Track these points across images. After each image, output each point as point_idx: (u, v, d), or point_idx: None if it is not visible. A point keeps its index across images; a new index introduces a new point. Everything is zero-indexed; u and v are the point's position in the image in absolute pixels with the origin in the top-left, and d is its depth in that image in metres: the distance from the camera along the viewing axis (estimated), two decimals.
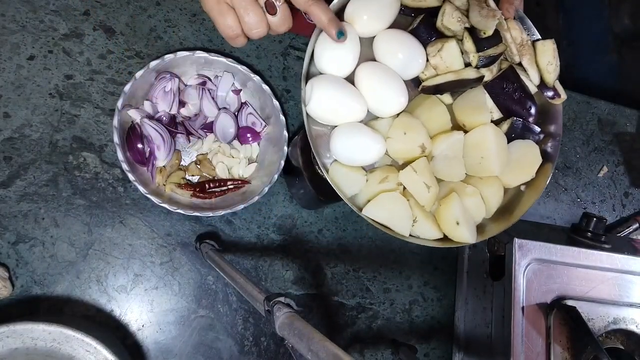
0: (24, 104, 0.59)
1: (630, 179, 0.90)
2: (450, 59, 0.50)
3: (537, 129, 0.54)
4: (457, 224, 0.49)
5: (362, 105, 0.49)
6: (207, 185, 0.62)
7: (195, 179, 0.63)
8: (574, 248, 0.62)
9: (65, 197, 0.59)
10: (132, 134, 0.59)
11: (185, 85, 0.64)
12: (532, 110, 0.53)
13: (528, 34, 0.54)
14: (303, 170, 0.59)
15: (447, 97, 0.53)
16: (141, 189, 0.56)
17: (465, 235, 0.49)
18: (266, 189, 0.61)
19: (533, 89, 0.54)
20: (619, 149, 0.90)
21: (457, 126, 0.53)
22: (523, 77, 0.53)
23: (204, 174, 0.63)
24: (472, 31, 0.49)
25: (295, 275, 0.67)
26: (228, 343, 0.63)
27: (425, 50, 0.50)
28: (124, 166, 0.56)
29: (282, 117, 0.63)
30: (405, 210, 0.49)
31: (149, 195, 0.57)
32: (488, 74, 0.52)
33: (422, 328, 0.73)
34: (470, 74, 0.50)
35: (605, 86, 1.60)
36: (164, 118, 0.61)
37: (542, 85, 0.54)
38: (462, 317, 0.71)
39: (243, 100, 0.66)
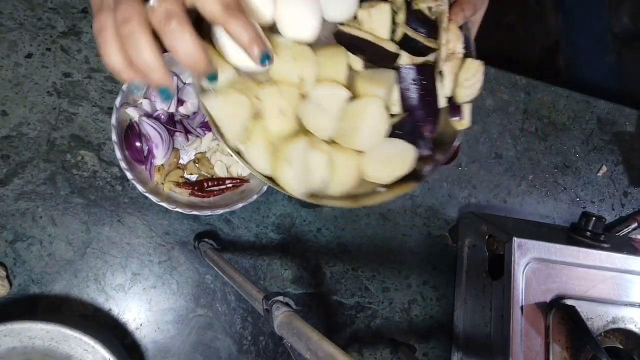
0: (22, 102, 0.59)
1: (630, 179, 0.90)
2: (377, 22, 0.45)
3: (428, 144, 0.48)
4: (289, 163, 0.42)
5: (270, 10, 0.42)
6: (205, 184, 0.62)
7: (193, 177, 0.63)
8: (573, 247, 0.62)
9: (63, 195, 0.59)
10: (130, 133, 0.59)
11: (184, 84, 0.64)
12: (430, 124, 0.48)
13: (465, 49, 0.48)
14: None
15: (357, 63, 0.47)
16: (139, 187, 0.56)
17: (290, 181, 0.43)
18: (265, 187, 0.60)
19: (443, 101, 0.49)
20: (618, 148, 0.90)
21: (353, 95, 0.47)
22: (439, 84, 0.48)
23: (203, 172, 0.63)
24: (410, 8, 0.46)
25: (294, 274, 0.67)
26: (226, 342, 0.63)
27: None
28: (122, 165, 0.56)
29: None
30: (243, 116, 0.42)
31: (147, 194, 0.56)
32: (407, 59, 0.47)
33: (421, 327, 0.73)
34: (390, 46, 0.45)
35: (604, 86, 1.60)
36: (162, 116, 0.61)
37: (453, 102, 0.49)
38: (461, 316, 0.71)
39: None
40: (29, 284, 0.57)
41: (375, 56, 0.46)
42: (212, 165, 0.63)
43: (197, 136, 0.63)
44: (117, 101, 0.57)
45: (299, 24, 0.43)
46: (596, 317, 0.61)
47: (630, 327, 0.63)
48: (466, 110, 0.50)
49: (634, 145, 0.91)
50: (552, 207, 0.83)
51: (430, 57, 0.48)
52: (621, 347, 0.63)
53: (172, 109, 0.62)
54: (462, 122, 0.50)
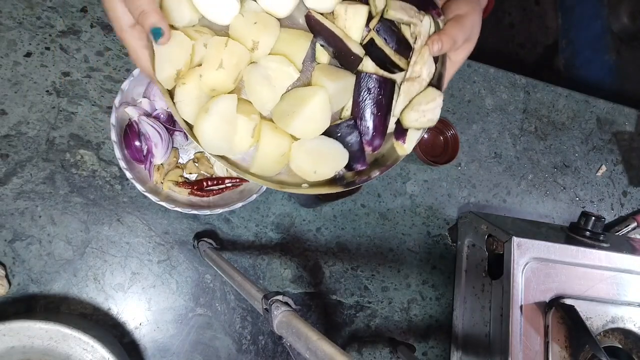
0: (21, 101, 0.59)
1: (629, 178, 0.90)
2: (351, 21, 0.45)
3: (364, 158, 0.46)
4: (208, 115, 0.41)
5: None
6: (205, 183, 0.61)
7: (193, 177, 0.63)
8: (573, 247, 0.62)
9: (62, 194, 0.59)
10: (129, 132, 0.59)
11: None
12: (376, 139, 0.46)
13: (432, 81, 0.47)
14: None
15: (324, 56, 0.46)
16: (139, 186, 0.56)
17: (205, 134, 0.41)
18: (264, 187, 0.60)
19: (392, 124, 0.47)
20: (618, 148, 0.90)
21: (307, 82, 0.46)
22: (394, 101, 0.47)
23: (202, 172, 0.63)
24: (384, 18, 0.45)
25: (293, 273, 0.67)
26: (226, 341, 0.63)
27: None
28: (122, 164, 0.56)
29: None
30: (181, 57, 0.41)
31: (146, 193, 0.56)
32: (371, 67, 0.45)
33: (420, 327, 0.73)
34: (356, 47, 0.44)
35: (604, 85, 1.60)
36: (162, 116, 0.61)
37: (400, 125, 0.47)
38: (460, 315, 0.71)
39: None
40: (28, 283, 0.57)
41: (340, 53, 0.45)
42: (211, 164, 0.63)
43: None
44: (117, 100, 0.57)
45: None
46: (595, 316, 0.61)
47: (629, 326, 0.63)
48: (412, 136, 0.46)
49: (633, 145, 0.91)
50: (552, 206, 0.83)
51: (397, 77, 0.46)
52: (620, 346, 0.63)
53: None
54: (404, 147, 0.46)
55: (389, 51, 0.45)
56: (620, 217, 0.87)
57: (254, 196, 0.60)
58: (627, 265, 0.64)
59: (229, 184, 0.63)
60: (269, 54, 0.44)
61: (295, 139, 0.44)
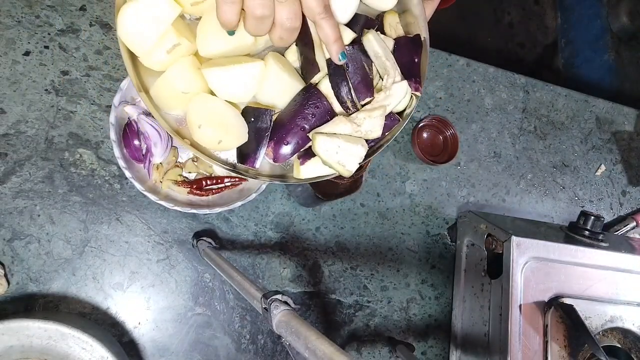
0: (20, 100, 0.59)
1: (628, 178, 0.90)
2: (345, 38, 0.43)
3: (259, 157, 0.42)
4: (167, 53, 0.38)
5: None
6: (204, 183, 0.61)
7: (192, 176, 0.63)
8: (572, 246, 0.62)
9: (61, 194, 0.59)
10: (128, 131, 0.58)
11: None
12: (283, 151, 0.43)
13: (367, 141, 0.44)
14: None
15: (291, 54, 0.44)
16: (138, 186, 0.56)
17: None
18: (263, 186, 0.60)
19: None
20: (617, 147, 0.90)
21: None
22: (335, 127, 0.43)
23: (201, 171, 0.63)
24: (361, 50, 0.44)
25: (292, 273, 0.67)
26: (225, 341, 0.63)
27: None
28: (121, 163, 0.56)
29: None
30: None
31: (145, 193, 0.56)
32: (324, 88, 0.43)
33: (419, 326, 0.73)
34: (321, 59, 0.42)
35: (603, 84, 1.60)
36: None
37: (310, 150, 0.44)
38: (459, 315, 0.71)
39: None
40: (27, 283, 0.57)
41: (305, 57, 0.43)
42: (210, 163, 0.63)
43: None
44: (116, 99, 0.57)
45: None
46: (594, 315, 0.61)
47: (628, 326, 0.63)
48: (312, 167, 0.43)
49: (632, 145, 0.91)
50: (551, 206, 0.83)
51: (337, 109, 0.44)
52: (619, 345, 0.63)
53: None
54: (300, 169, 0.43)
55: (347, 86, 0.43)
56: (619, 217, 0.87)
57: (253, 195, 0.60)
58: (626, 265, 0.64)
59: (228, 183, 0.63)
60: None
61: (207, 92, 0.41)
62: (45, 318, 0.51)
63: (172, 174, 0.61)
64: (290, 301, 0.38)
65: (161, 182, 0.60)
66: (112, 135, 0.56)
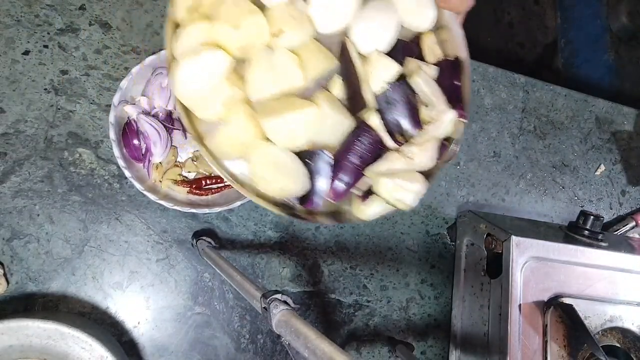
0: (19, 99, 0.59)
1: (627, 177, 0.90)
2: (379, 71, 0.43)
3: (321, 199, 0.43)
4: (196, 54, 0.39)
5: None
6: (203, 182, 0.61)
7: (191, 175, 0.63)
8: (571, 246, 0.62)
9: (60, 193, 0.59)
10: (128, 130, 0.58)
11: None
12: (342, 190, 0.43)
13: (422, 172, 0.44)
14: None
15: (335, 88, 0.43)
16: (137, 185, 0.56)
17: (185, 73, 0.39)
18: None
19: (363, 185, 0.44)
20: (617, 147, 0.90)
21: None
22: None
23: (201, 170, 0.63)
24: (405, 83, 0.44)
25: (292, 272, 0.67)
26: (224, 340, 0.63)
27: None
28: (120, 162, 0.56)
29: None
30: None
31: (145, 192, 0.56)
32: (374, 122, 0.43)
33: (419, 326, 0.73)
34: (369, 94, 0.42)
35: (603, 84, 1.60)
36: (161, 114, 0.61)
37: (369, 190, 0.44)
38: (459, 314, 0.71)
39: None
40: (26, 282, 0.57)
41: (351, 92, 0.43)
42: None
43: None
44: (115, 99, 0.57)
45: (328, 14, 0.42)
46: (594, 315, 0.61)
47: (628, 325, 0.63)
48: (375, 206, 0.43)
49: (631, 144, 0.91)
50: (551, 205, 0.83)
51: (390, 144, 0.43)
52: (618, 345, 0.63)
53: (170, 107, 0.62)
54: (364, 210, 0.43)
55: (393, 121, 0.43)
56: (618, 217, 0.87)
57: None
58: (625, 265, 0.64)
59: (228, 183, 0.62)
60: (287, 49, 0.41)
61: (263, 139, 0.41)
62: (44, 318, 0.51)
63: (171, 173, 0.61)
64: (289, 301, 0.38)
65: (161, 181, 0.60)
66: (112, 135, 0.56)
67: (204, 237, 0.59)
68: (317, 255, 0.69)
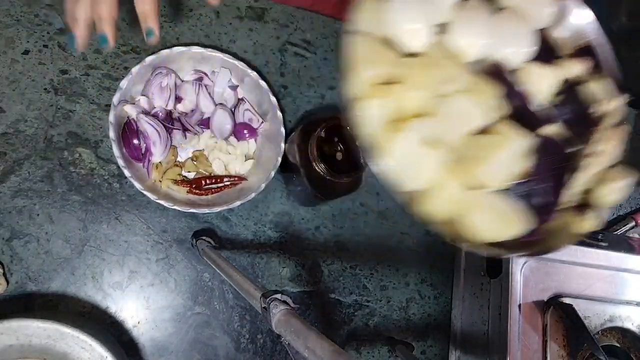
0: (19, 99, 0.59)
1: None
2: (536, 83, 0.42)
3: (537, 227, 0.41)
4: (402, 131, 0.37)
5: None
6: (203, 182, 0.61)
7: (191, 175, 0.63)
8: (571, 246, 0.62)
9: (60, 193, 0.59)
10: (127, 130, 0.58)
11: (182, 81, 0.63)
12: (548, 211, 0.41)
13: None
14: (300, 167, 0.58)
15: (504, 109, 0.42)
16: (137, 185, 0.56)
17: (397, 152, 0.37)
18: (263, 185, 0.60)
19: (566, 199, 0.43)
20: None
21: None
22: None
23: (201, 170, 0.63)
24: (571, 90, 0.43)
25: (291, 272, 0.67)
26: (224, 340, 0.63)
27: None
28: (120, 162, 0.56)
29: (279, 114, 0.63)
30: (384, 61, 0.38)
31: (144, 192, 0.56)
32: (552, 130, 0.42)
33: (419, 325, 0.73)
34: (539, 109, 0.41)
35: None
36: (160, 114, 0.61)
37: (585, 201, 0.43)
38: (459, 314, 0.71)
39: (240, 97, 0.66)
40: (26, 282, 0.57)
41: (520, 111, 0.41)
42: (210, 163, 0.63)
43: (195, 134, 0.63)
44: (115, 98, 0.57)
45: (468, 36, 0.40)
46: (593, 315, 0.61)
47: (628, 325, 0.63)
48: (595, 214, 0.42)
49: (631, 144, 0.91)
50: None
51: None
52: (618, 345, 0.63)
53: (170, 107, 0.62)
54: (588, 223, 0.42)
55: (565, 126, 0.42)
56: (618, 216, 0.87)
57: (252, 195, 0.60)
58: (625, 264, 0.64)
59: (228, 183, 0.63)
60: (459, 91, 0.39)
61: (468, 187, 0.39)
62: (44, 317, 0.51)
63: (171, 173, 0.61)
64: (289, 300, 0.38)
65: (160, 181, 0.60)
66: (112, 134, 0.56)
67: (203, 237, 0.59)
68: (317, 255, 0.69)
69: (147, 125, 0.58)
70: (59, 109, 0.60)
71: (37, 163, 0.59)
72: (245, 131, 0.64)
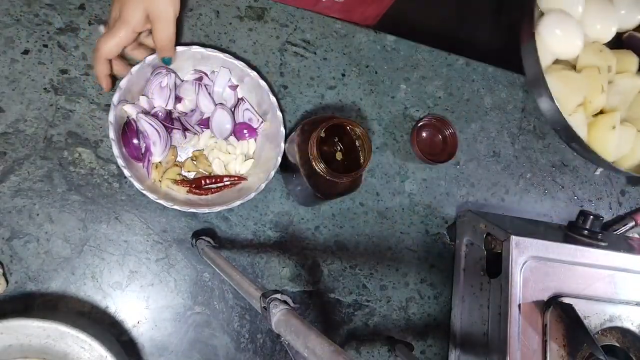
0: (19, 99, 0.59)
1: (627, 177, 0.90)
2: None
3: None
4: (612, 128, 0.63)
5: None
6: (203, 182, 0.61)
7: (191, 175, 0.63)
8: (571, 246, 0.62)
9: (60, 192, 0.59)
10: (127, 130, 0.58)
11: (182, 81, 0.63)
12: None
13: None
14: (300, 167, 0.58)
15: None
16: (137, 185, 0.56)
17: (611, 142, 0.61)
18: (263, 185, 0.60)
19: None
20: None
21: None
22: None
23: (200, 170, 0.63)
24: None
25: (291, 272, 0.67)
26: (224, 340, 0.63)
27: None
28: (120, 162, 0.56)
29: (279, 113, 0.63)
30: (589, 86, 0.64)
31: (144, 192, 0.56)
32: None
33: (418, 325, 0.73)
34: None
35: None
36: (160, 114, 0.61)
37: None
38: (458, 314, 0.71)
39: (240, 96, 0.66)
40: (26, 282, 0.57)
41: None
42: (209, 162, 0.63)
43: (195, 133, 0.63)
44: (115, 98, 0.57)
45: (600, 28, 0.64)
46: (593, 315, 0.61)
47: (627, 325, 0.63)
48: None
49: None
50: (550, 205, 0.83)
51: None
52: (618, 345, 0.63)
53: (170, 106, 0.62)
54: None
55: None
56: (618, 216, 0.87)
57: (252, 194, 0.60)
58: (625, 264, 0.64)
59: (228, 182, 0.62)
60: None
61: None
62: (44, 317, 0.51)
63: (171, 172, 0.61)
64: (289, 300, 0.38)
65: (160, 181, 0.60)
66: (111, 134, 0.56)
67: (203, 237, 0.59)
68: (316, 255, 0.69)
69: (147, 125, 0.58)
70: (58, 108, 0.60)
71: (36, 163, 0.59)
72: (245, 131, 0.64)
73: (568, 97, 0.55)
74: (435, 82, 0.79)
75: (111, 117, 0.56)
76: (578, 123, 0.54)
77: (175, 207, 0.57)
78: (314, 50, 0.72)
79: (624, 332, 0.63)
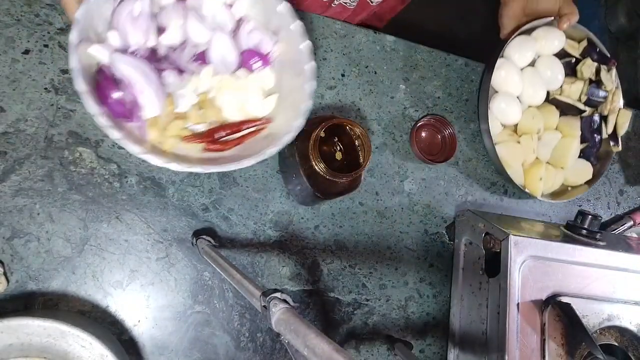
0: (19, 99, 0.59)
1: (625, 177, 0.90)
2: (574, 91, 0.80)
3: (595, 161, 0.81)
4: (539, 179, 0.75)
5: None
6: (215, 134, 0.50)
7: (200, 127, 0.50)
8: (569, 245, 0.62)
9: (60, 192, 0.59)
10: (101, 80, 0.45)
11: (161, 6, 0.50)
12: (597, 141, 0.81)
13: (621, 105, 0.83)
14: (300, 166, 0.58)
15: (556, 115, 0.79)
16: (132, 148, 0.44)
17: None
18: (298, 122, 0.48)
19: (604, 135, 0.82)
20: None
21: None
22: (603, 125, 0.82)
23: (211, 119, 0.50)
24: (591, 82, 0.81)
25: (291, 271, 0.67)
26: (224, 339, 0.64)
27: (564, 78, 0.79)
28: (101, 121, 0.43)
29: (299, 23, 0.49)
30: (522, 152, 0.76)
31: (146, 156, 0.44)
32: (589, 111, 0.81)
33: (417, 324, 0.73)
34: (580, 105, 0.80)
35: None
36: (140, 53, 0.47)
37: (611, 135, 0.82)
38: (457, 313, 0.71)
39: (239, 16, 0.52)
40: (27, 281, 0.57)
41: (570, 110, 0.80)
42: (219, 108, 0.50)
43: (192, 73, 0.49)
44: (73, 36, 0.43)
45: (534, 97, 0.77)
46: (592, 314, 0.62)
47: (626, 324, 0.63)
48: (619, 141, 0.82)
49: (629, 144, 0.92)
50: (549, 205, 0.83)
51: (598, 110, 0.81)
52: (616, 344, 0.63)
53: (151, 42, 0.47)
54: (617, 147, 0.82)
55: (597, 101, 0.83)
56: (616, 216, 0.87)
57: (289, 136, 0.48)
58: (623, 264, 0.64)
59: (248, 129, 0.50)
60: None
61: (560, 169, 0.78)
62: (44, 316, 0.51)
63: (173, 128, 0.49)
64: (289, 299, 0.38)
65: (163, 140, 0.49)
66: (79, 86, 0.42)
67: (203, 236, 0.60)
68: (316, 254, 0.69)
69: (125, 69, 0.44)
70: (59, 108, 0.60)
71: (37, 162, 0.59)
72: (256, 58, 0.51)
73: (512, 159, 0.74)
74: (434, 82, 0.79)
75: (73, 61, 0.42)
76: (516, 175, 0.75)
77: (194, 169, 0.45)
78: (314, 50, 0.72)
79: (622, 331, 0.64)
